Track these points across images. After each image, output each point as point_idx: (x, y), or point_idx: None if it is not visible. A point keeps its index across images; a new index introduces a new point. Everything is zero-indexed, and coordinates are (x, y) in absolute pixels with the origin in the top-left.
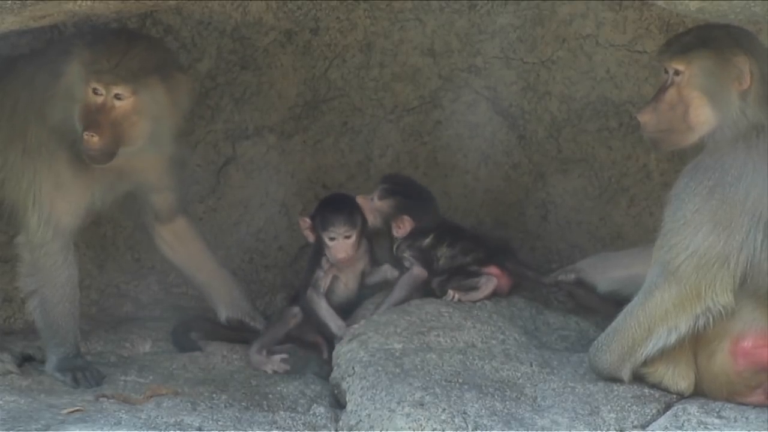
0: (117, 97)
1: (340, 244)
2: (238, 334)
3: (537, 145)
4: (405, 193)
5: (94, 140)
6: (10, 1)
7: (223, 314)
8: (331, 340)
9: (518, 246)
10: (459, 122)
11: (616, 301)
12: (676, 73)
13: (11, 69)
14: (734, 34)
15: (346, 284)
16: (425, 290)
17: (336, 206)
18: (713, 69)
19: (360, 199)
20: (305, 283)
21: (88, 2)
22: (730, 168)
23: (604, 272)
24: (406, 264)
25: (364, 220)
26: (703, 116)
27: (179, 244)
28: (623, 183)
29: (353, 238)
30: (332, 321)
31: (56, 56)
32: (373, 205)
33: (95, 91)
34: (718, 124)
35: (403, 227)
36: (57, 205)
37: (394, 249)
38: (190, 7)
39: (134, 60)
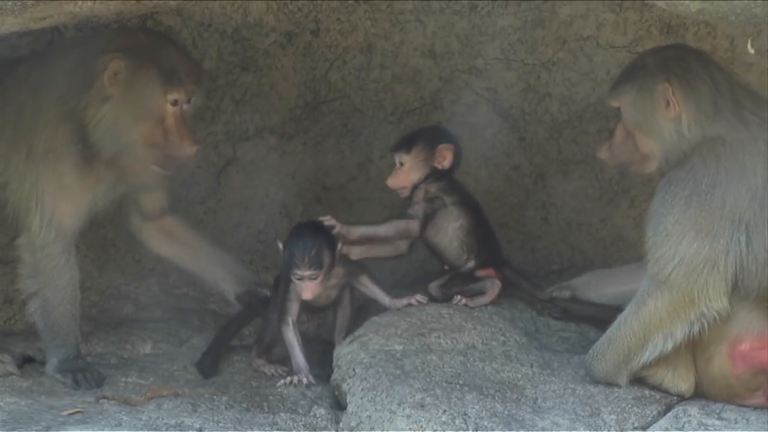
0: (188, 101)
1: (306, 284)
2: (251, 314)
3: (537, 147)
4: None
5: (198, 148)
6: (10, 2)
7: (232, 292)
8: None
9: (519, 247)
10: (459, 123)
11: (612, 309)
12: (618, 109)
13: (12, 74)
14: (663, 57)
15: (326, 297)
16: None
17: (303, 244)
18: (637, 101)
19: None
20: (277, 301)
21: (89, 3)
22: (703, 177)
23: (599, 289)
24: (410, 212)
25: (333, 255)
26: (648, 146)
27: (169, 238)
28: (624, 184)
29: (319, 279)
30: (298, 358)
31: (76, 75)
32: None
33: (174, 103)
34: (662, 150)
35: (446, 158)
36: (59, 207)
37: (415, 196)
38: (191, 9)
39: (194, 63)
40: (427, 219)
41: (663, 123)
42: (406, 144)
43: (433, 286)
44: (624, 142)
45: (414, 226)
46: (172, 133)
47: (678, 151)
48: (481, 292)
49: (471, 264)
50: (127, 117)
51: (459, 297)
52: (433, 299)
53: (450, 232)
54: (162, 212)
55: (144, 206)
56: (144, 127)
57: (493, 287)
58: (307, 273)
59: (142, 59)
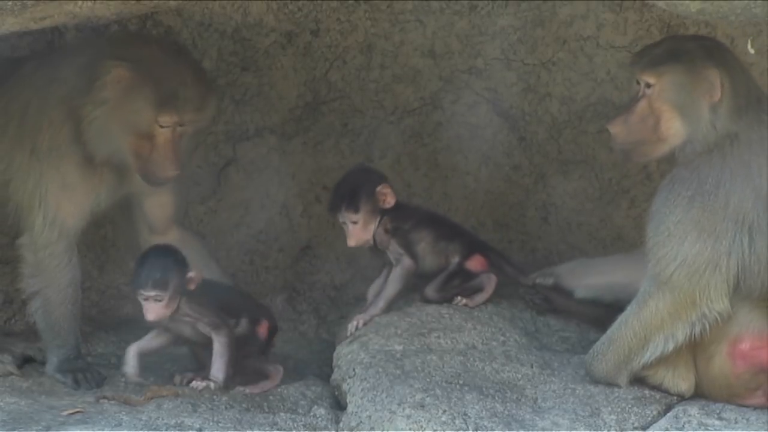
0: (182, 125)
1: (150, 305)
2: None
3: (537, 147)
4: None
5: (176, 174)
6: (10, 2)
7: None
8: None
9: (519, 247)
10: (459, 124)
11: (593, 306)
12: (647, 85)
13: (17, 72)
14: (706, 46)
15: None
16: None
17: (150, 264)
18: (684, 82)
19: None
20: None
21: (89, 3)
22: (707, 177)
23: (582, 278)
24: (393, 257)
25: (182, 282)
26: (673, 129)
27: None
28: (624, 184)
29: (164, 301)
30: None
31: (81, 76)
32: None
33: (165, 125)
34: (688, 136)
35: (387, 197)
36: (63, 206)
37: (380, 240)
38: (191, 9)
39: (195, 87)
40: (409, 247)
41: (703, 109)
42: (350, 205)
43: (430, 291)
44: (643, 120)
45: (408, 263)
46: (158, 151)
47: (703, 142)
48: (479, 289)
49: (456, 259)
50: (117, 125)
51: (459, 298)
52: (428, 302)
53: (423, 250)
54: (168, 225)
55: (150, 216)
56: (132, 138)
57: (490, 282)
58: (152, 294)
59: (144, 75)
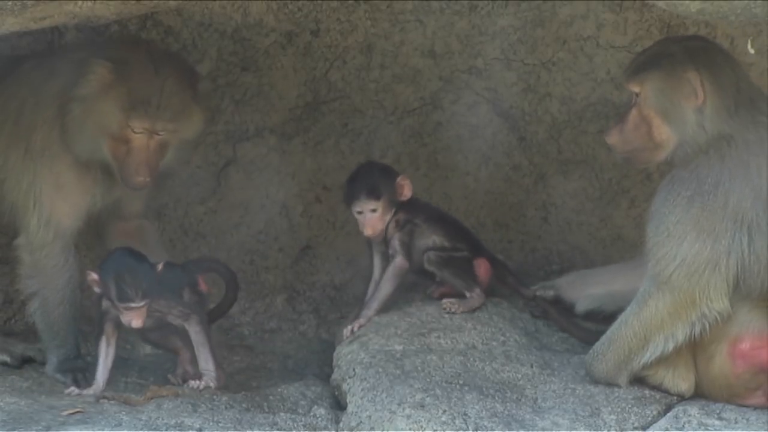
0: (158, 133)
1: (136, 312)
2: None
3: (537, 147)
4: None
5: (146, 181)
6: (10, 2)
7: None
8: None
9: (519, 247)
10: (459, 124)
11: (586, 331)
12: (636, 94)
13: (15, 71)
14: (690, 48)
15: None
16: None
17: (133, 276)
18: (664, 88)
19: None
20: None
21: (89, 3)
22: (706, 177)
23: (583, 290)
24: (391, 252)
25: (155, 284)
26: (663, 134)
27: (127, 239)
28: (624, 184)
29: (145, 308)
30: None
31: (73, 74)
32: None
33: (139, 131)
34: (678, 140)
35: (405, 188)
36: (57, 206)
37: (388, 231)
38: (191, 9)
39: (174, 96)
40: (408, 247)
41: (687, 112)
42: (372, 192)
43: (433, 289)
44: (637, 128)
45: (401, 261)
46: (131, 157)
47: (694, 144)
48: (461, 295)
49: (464, 254)
50: (92, 124)
51: (445, 300)
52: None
53: (431, 245)
54: (134, 216)
55: (124, 207)
56: (109, 141)
57: (479, 297)
58: (142, 304)
59: (123, 76)
